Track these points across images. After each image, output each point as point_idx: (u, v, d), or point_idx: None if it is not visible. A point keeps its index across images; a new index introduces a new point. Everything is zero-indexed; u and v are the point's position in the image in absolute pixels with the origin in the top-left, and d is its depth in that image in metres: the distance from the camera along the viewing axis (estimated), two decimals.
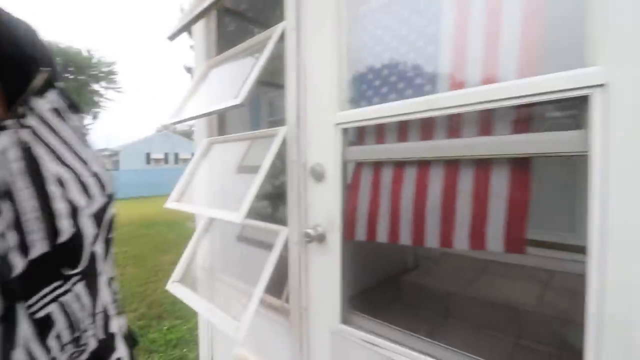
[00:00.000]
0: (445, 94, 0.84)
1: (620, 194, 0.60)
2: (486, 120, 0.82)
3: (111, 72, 17.51)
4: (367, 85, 1.06)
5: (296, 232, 1.19)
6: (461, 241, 0.89)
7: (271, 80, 2.25)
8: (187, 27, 1.61)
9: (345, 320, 1.09)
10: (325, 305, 1.13)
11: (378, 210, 1.09)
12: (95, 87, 17.12)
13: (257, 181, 1.12)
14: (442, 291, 2.31)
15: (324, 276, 1.12)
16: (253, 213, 1.84)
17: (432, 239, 0.96)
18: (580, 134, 0.66)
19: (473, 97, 0.79)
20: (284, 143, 1.21)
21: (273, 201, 2.09)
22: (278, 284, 1.32)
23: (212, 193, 1.60)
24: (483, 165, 0.85)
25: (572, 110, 0.86)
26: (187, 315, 2.51)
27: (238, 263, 1.61)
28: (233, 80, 1.42)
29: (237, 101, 1.11)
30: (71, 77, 15.43)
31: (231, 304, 1.44)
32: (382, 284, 2.61)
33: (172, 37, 1.66)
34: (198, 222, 1.73)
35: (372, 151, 1.07)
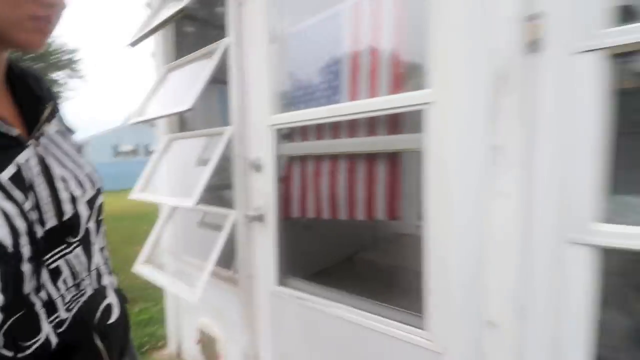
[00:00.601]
0: (345, 104, 1.11)
1: (437, 180, 0.89)
2: (372, 124, 1.10)
3: (73, 60, 16.73)
4: (293, 94, 1.31)
5: (242, 214, 1.43)
6: (361, 213, 1.18)
7: None
8: (147, 36, 1.78)
9: (281, 283, 1.36)
10: (265, 272, 1.39)
11: (306, 194, 1.36)
12: (56, 75, 16.31)
13: (206, 172, 1.36)
14: (389, 266, 2.63)
15: (263, 248, 1.38)
16: (217, 200, 2.06)
17: (343, 213, 1.24)
18: (421, 136, 0.94)
19: (363, 107, 1.06)
20: (232, 140, 1.45)
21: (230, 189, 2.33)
22: (230, 259, 1.57)
23: (173, 184, 1.81)
24: (372, 157, 1.13)
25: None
26: (157, 298, 2.71)
27: (198, 245, 1.84)
28: (188, 84, 1.63)
29: (186, 107, 1.33)
30: (28, 64, 14.60)
31: (192, 279, 1.68)
32: (340, 263, 2.91)
33: (134, 44, 1.83)
34: (161, 211, 1.94)
35: (298, 147, 1.33)
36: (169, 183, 1.82)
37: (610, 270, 0.71)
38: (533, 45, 0.73)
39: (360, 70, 1.11)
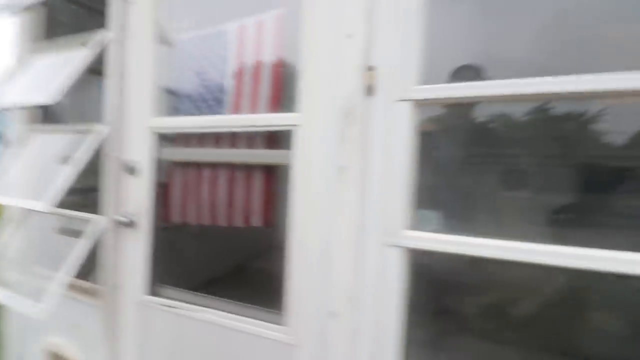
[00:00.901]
0: (226, 117, 1.18)
1: (300, 191, 1.03)
2: (252, 138, 1.19)
3: None
4: (177, 100, 1.32)
5: (110, 220, 1.34)
6: (239, 220, 1.25)
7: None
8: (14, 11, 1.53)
9: (152, 292, 1.30)
10: (134, 281, 1.32)
11: (187, 199, 1.36)
12: None
13: (66, 172, 1.23)
14: (279, 273, 2.71)
15: (133, 256, 1.32)
16: (81, 205, 1.84)
17: (222, 219, 1.28)
18: (289, 152, 1.07)
19: (241, 121, 1.14)
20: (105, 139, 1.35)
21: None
22: (91, 270, 1.43)
23: (27, 184, 1.56)
24: (249, 168, 1.22)
25: None
26: None
27: (56, 255, 1.61)
28: (54, 73, 1.46)
29: (48, 100, 1.20)
30: None
31: (43, 293, 1.46)
32: (232, 271, 2.88)
33: None
34: (8, 215, 1.64)
35: (180, 153, 1.33)
36: (22, 182, 1.57)
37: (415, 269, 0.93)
38: (369, 90, 0.93)
39: (244, 87, 1.19)
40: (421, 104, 0.91)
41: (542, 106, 0.87)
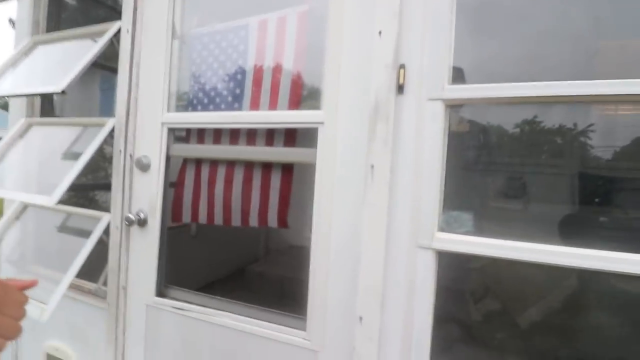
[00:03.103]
0: (245, 113, 1.14)
1: (325, 191, 1.00)
2: (270, 135, 1.16)
3: None
4: (192, 95, 1.27)
5: (119, 217, 1.28)
6: (254, 220, 1.21)
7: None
8: None
9: (160, 294, 1.25)
10: (143, 283, 1.26)
11: (199, 198, 1.31)
12: None
13: (76, 167, 1.18)
14: (279, 276, 2.66)
15: (143, 256, 1.26)
16: (87, 202, 1.78)
17: (236, 219, 1.24)
18: (314, 151, 1.03)
19: (261, 118, 1.11)
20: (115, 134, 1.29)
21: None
22: (97, 270, 1.37)
23: (26, 178, 1.49)
24: (267, 167, 1.18)
25: None
26: None
27: (57, 254, 1.54)
28: (62, 63, 1.40)
29: (58, 89, 1.14)
30: None
31: (43, 294, 1.39)
32: (231, 275, 2.82)
33: None
34: (5, 210, 1.56)
35: (194, 150, 1.28)
36: (21, 176, 1.50)
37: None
38: (399, 88, 0.90)
39: (263, 83, 1.16)
40: (453, 103, 0.89)
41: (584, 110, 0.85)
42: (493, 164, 0.98)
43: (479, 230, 0.91)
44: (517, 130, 0.93)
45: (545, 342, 1.01)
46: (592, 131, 0.87)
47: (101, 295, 1.36)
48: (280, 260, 3.06)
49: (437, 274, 0.89)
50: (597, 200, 0.91)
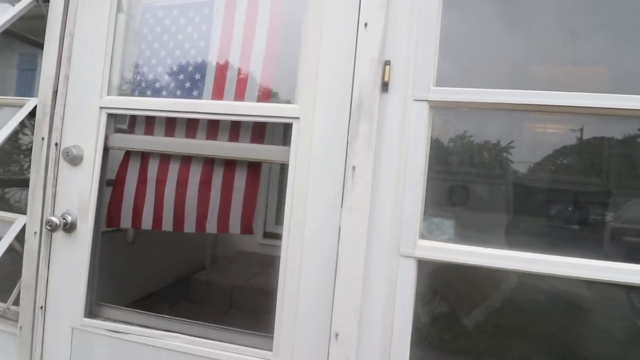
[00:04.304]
0: (207, 101, 0.99)
1: (300, 194, 0.89)
2: (235, 130, 1.02)
3: None
4: (141, 77, 1.09)
5: (38, 220, 1.04)
6: (212, 226, 1.05)
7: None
8: None
9: (91, 314, 1.04)
10: (68, 301, 1.04)
11: (143, 199, 1.12)
12: None
13: None
14: (228, 285, 2.47)
15: (68, 268, 1.03)
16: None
17: (189, 225, 1.08)
18: (287, 149, 0.93)
19: (227, 108, 0.97)
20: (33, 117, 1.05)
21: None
22: (5, 286, 1.10)
23: None
24: (231, 165, 1.04)
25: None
26: None
27: None
28: None
29: None
30: None
31: None
32: (174, 284, 2.55)
33: None
34: None
35: (142, 141, 1.09)
36: None
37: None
38: (384, 86, 0.84)
39: (229, 71, 1.02)
40: (440, 105, 0.85)
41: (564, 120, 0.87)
42: (474, 171, 0.96)
43: (460, 237, 0.88)
44: (509, 135, 0.92)
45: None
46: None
47: (11, 318, 1.09)
48: (229, 267, 2.85)
49: (416, 284, 0.83)
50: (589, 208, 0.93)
